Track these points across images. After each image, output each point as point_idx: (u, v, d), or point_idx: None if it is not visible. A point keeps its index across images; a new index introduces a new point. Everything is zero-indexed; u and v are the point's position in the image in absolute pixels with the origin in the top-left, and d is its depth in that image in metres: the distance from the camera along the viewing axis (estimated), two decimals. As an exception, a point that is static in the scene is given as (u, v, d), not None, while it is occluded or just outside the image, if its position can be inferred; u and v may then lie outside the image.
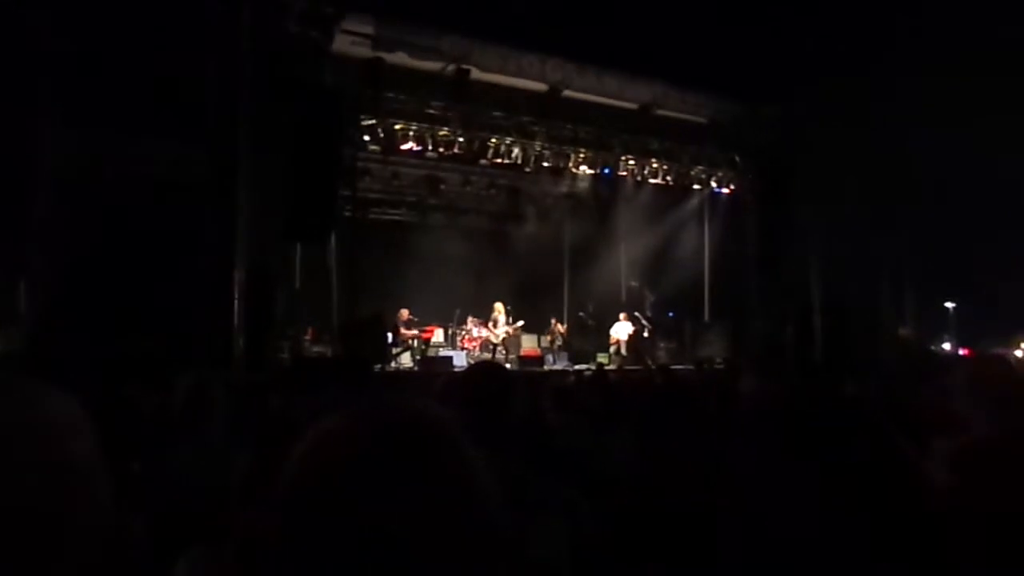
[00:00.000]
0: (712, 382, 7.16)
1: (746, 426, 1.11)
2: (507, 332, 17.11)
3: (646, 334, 18.14)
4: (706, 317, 19.27)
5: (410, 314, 16.21)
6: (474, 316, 17.70)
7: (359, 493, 0.89)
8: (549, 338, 17.77)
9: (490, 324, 17.00)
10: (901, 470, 0.99)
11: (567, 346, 18.29)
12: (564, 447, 3.73)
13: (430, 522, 0.88)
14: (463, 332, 17.71)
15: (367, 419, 1.00)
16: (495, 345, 16.92)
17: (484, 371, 2.52)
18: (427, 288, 17.21)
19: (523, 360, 16.22)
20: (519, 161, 16.48)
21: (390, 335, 15.42)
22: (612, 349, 17.71)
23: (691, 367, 13.84)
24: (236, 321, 10.89)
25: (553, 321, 17.91)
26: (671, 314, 19.12)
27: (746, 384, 5.88)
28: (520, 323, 17.59)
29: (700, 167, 18.29)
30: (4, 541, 0.84)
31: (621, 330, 17.72)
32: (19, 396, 0.91)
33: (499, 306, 16.94)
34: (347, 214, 14.70)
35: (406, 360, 16.14)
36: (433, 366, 14.37)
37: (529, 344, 18.83)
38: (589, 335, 18.50)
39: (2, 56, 9.76)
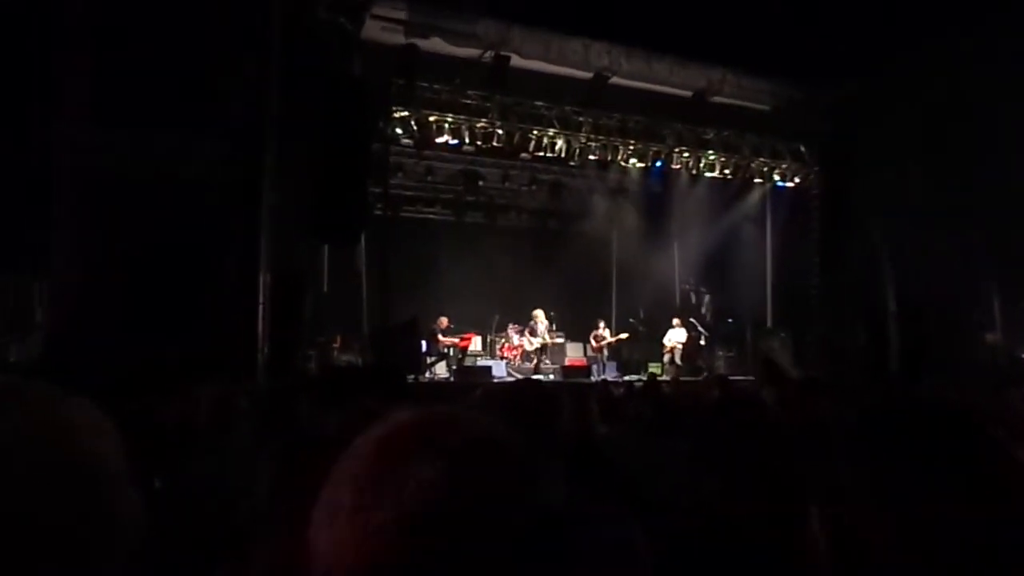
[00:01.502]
0: (783, 393, 7.06)
1: (849, 440, 1.13)
2: (547, 342, 17.19)
3: (702, 342, 18.00)
4: (768, 323, 19.05)
5: (449, 322, 16.32)
6: (514, 323, 17.82)
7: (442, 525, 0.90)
8: (595, 346, 17.72)
9: (527, 332, 17.09)
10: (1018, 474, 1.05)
11: (616, 355, 18.27)
12: (613, 464, 3.71)
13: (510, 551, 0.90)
14: (502, 340, 17.85)
15: (440, 432, 0.99)
16: (536, 354, 17.00)
17: (528, 386, 2.57)
18: (463, 292, 17.39)
19: (568, 370, 16.24)
20: (563, 155, 16.50)
21: (424, 343, 15.57)
22: (666, 358, 17.62)
23: (752, 378, 13.69)
24: (261, 327, 11.02)
25: (601, 325, 17.87)
26: (730, 320, 18.99)
27: (768, 394, 5.85)
28: (558, 339, 17.74)
29: (761, 159, 18.10)
30: (32, 543, 0.85)
31: (675, 337, 17.62)
32: (37, 397, 0.93)
33: (539, 313, 17.01)
34: (378, 213, 14.85)
35: (441, 370, 16.28)
36: (471, 376, 14.48)
37: (574, 353, 18.89)
38: (640, 343, 18.44)
39: (25, 51, 10.02)
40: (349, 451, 1.01)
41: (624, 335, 17.87)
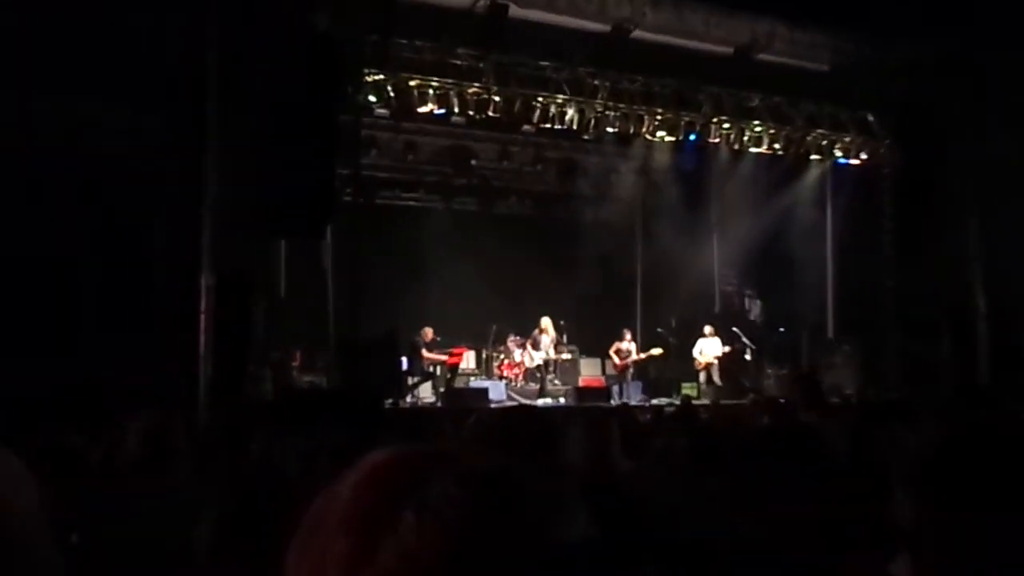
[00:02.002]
0: (841, 421, 7.07)
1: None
2: (554, 357, 17.20)
3: (748, 356, 18.00)
4: (830, 332, 19.05)
5: (434, 334, 16.35)
6: (516, 334, 17.81)
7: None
8: (619, 363, 17.73)
9: (530, 346, 17.10)
10: None
11: (641, 374, 18.32)
12: (638, 507, 3.72)
13: None
14: (501, 356, 17.87)
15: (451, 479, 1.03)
16: (542, 373, 17.05)
17: (523, 414, 2.66)
18: (453, 297, 17.35)
19: (582, 393, 16.23)
20: (574, 126, 16.53)
21: (405, 360, 15.59)
22: (702, 377, 17.63)
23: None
24: (203, 342, 11.01)
25: (627, 336, 17.89)
26: (782, 329, 19.00)
27: (807, 416, 5.91)
28: (569, 354, 17.77)
29: (819, 131, 18.12)
30: None
31: (709, 350, 17.68)
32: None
33: (547, 322, 17.03)
34: (347, 199, 14.88)
35: (426, 393, 16.30)
36: (462, 401, 14.49)
37: (589, 371, 18.88)
38: (671, 359, 18.44)
39: None
40: (325, 495, 1.03)
41: (657, 350, 17.86)
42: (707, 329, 17.86)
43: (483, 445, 2.36)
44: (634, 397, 16.77)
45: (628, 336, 18.04)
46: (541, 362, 17.08)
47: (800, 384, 7.33)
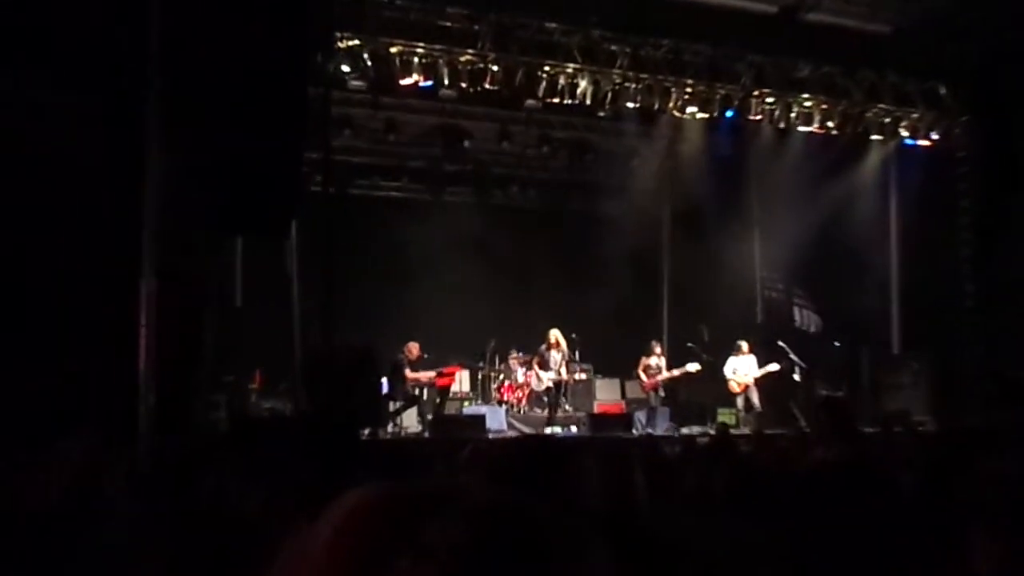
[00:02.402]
0: (911, 455, 7.06)
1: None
2: (565, 378, 17.16)
3: (797, 376, 17.96)
4: (895, 346, 19.03)
5: (421, 350, 16.35)
6: (518, 350, 17.88)
7: None
8: (647, 382, 17.68)
9: (536, 364, 17.06)
10: None
11: (670, 397, 18.35)
12: (666, 557, 3.72)
13: None
14: (501, 376, 17.99)
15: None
16: (551, 396, 17.08)
17: (535, 444, 2.72)
18: (443, 306, 17.43)
19: (598, 420, 16.26)
20: (588, 101, 16.55)
21: (385, 382, 15.62)
22: (740, 402, 17.64)
23: (874, 429, 13.62)
24: (144, 361, 10.98)
25: (656, 350, 17.84)
26: (837, 343, 19.02)
27: (829, 452, 5.93)
28: (583, 373, 17.73)
29: (880, 106, 18.12)
30: None
31: (742, 369, 17.70)
32: None
33: (556, 335, 16.98)
34: (316, 189, 14.92)
35: (411, 421, 16.35)
36: (454, 430, 14.54)
37: (607, 394, 18.97)
38: (703, 379, 18.41)
39: None
40: (299, 541, 1.03)
41: (693, 366, 17.80)
42: (742, 345, 17.82)
43: (479, 484, 2.35)
44: (660, 426, 16.82)
45: (658, 350, 18.04)
46: (550, 384, 17.03)
47: (824, 409, 7.25)
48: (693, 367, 17.87)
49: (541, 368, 17.10)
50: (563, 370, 17.14)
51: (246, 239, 14.59)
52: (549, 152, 19.51)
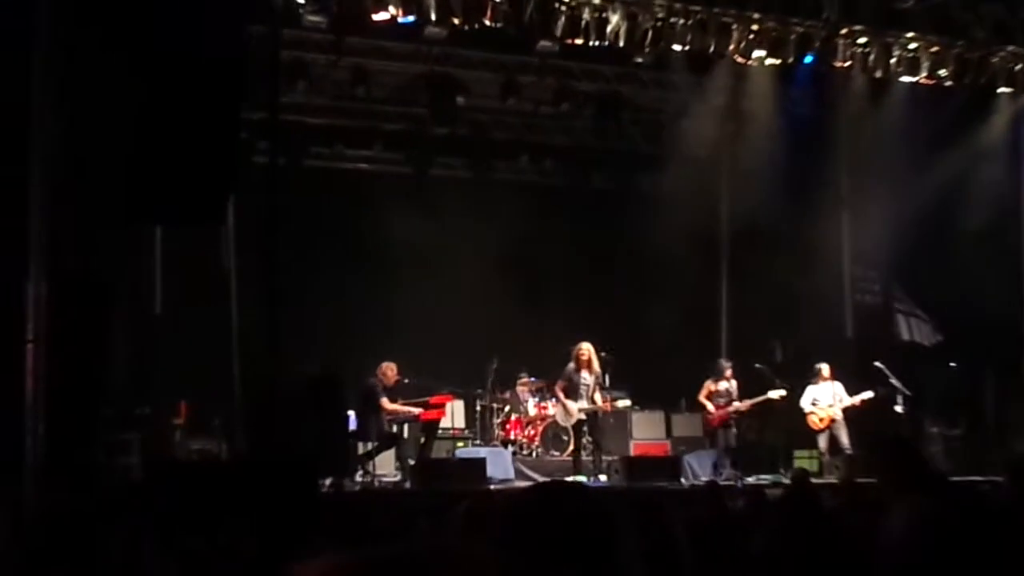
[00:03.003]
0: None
1: None
2: (603, 405, 16.95)
3: (900, 407, 17.94)
4: (1029, 368, 18.97)
5: (400, 373, 16.32)
6: (528, 374, 17.99)
7: None
8: (716, 413, 17.57)
9: (558, 388, 16.89)
10: None
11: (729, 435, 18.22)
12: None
13: None
14: (506, 408, 18.14)
15: None
16: (576, 433, 16.95)
17: (556, 495, 2.60)
18: (430, 314, 17.54)
19: (636, 466, 16.36)
20: (621, 42, 16.55)
21: (354, 416, 15.77)
22: (822, 441, 17.61)
23: (1001, 479, 13.52)
24: (30, 385, 10.99)
25: (727, 371, 17.76)
26: (952, 364, 18.99)
27: (903, 515, 5.87)
28: (621, 401, 17.54)
29: (1010, 48, 18.08)
30: None
31: (826, 398, 17.67)
32: None
33: (589, 349, 16.77)
34: (259, 160, 14.87)
35: (388, 467, 16.40)
36: (444, 479, 14.64)
37: (648, 431, 18.99)
38: (774, 411, 18.39)
39: None
40: None
41: (777, 393, 17.43)
42: (822, 369, 17.79)
43: (481, 548, 2.33)
44: (724, 472, 16.75)
45: (728, 370, 17.90)
46: (582, 415, 16.71)
47: (884, 453, 7.05)
48: (777, 394, 17.69)
49: (568, 395, 16.89)
50: (597, 396, 16.78)
51: (167, 229, 14.53)
52: (569, 111, 19.45)
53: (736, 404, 17.60)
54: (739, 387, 17.84)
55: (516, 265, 17.92)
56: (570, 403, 16.68)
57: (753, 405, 17.70)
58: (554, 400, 17.34)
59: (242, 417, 13.84)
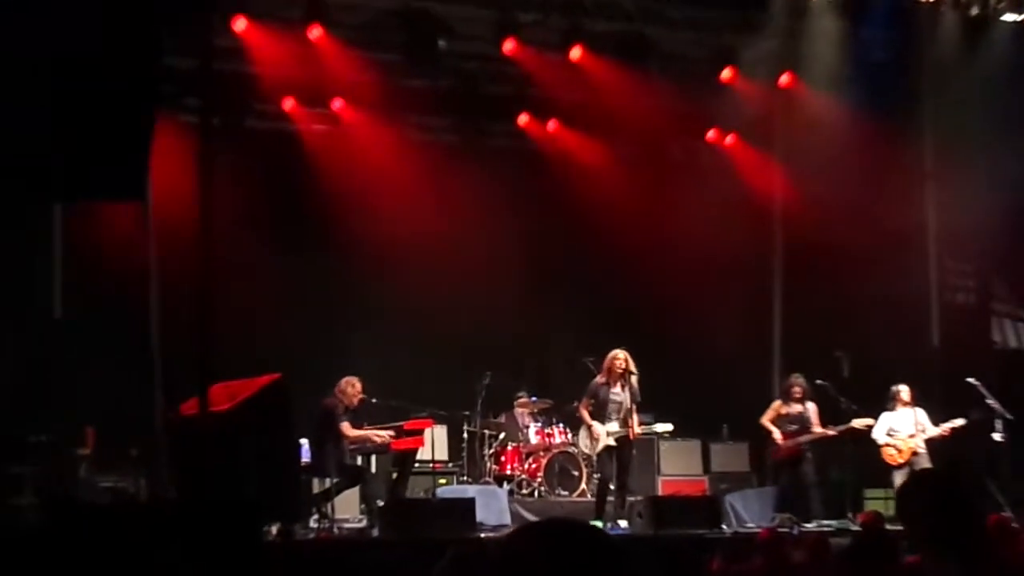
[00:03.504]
0: None
1: None
2: (636, 430, 16.74)
3: (998, 434, 17.86)
4: None
5: (366, 390, 16.18)
6: (527, 392, 18.06)
7: None
8: (780, 440, 17.44)
9: (584, 405, 16.72)
10: None
11: (782, 470, 18.10)
12: None
13: None
14: (501, 435, 18.18)
15: None
16: (603, 464, 16.71)
17: (553, 546, 2.50)
18: (405, 317, 17.64)
19: (663, 509, 16.16)
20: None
21: (307, 444, 15.71)
22: (900, 479, 17.41)
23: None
24: None
25: (796, 388, 17.63)
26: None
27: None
28: (660, 426, 17.36)
29: None
30: None
31: (906, 427, 17.59)
32: None
33: (626, 357, 16.52)
34: (189, 120, 15.00)
35: (351, 509, 16.47)
36: (422, 525, 14.50)
37: (680, 465, 19.09)
38: (839, 441, 18.29)
39: None
40: None
41: (863, 421, 17.25)
42: (901, 392, 17.66)
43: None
44: (770, 515, 16.77)
45: (798, 387, 17.71)
46: (613, 442, 16.38)
47: (921, 495, 6.80)
48: (862, 423, 17.56)
49: (595, 414, 16.65)
50: (635, 419, 16.48)
51: (68, 210, 14.42)
52: (581, 58, 19.30)
53: (811, 432, 17.41)
54: (819, 412, 17.67)
55: (515, 254, 17.92)
56: (596, 425, 16.43)
57: (826, 437, 17.55)
58: (561, 426, 17.35)
59: (165, 447, 13.71)
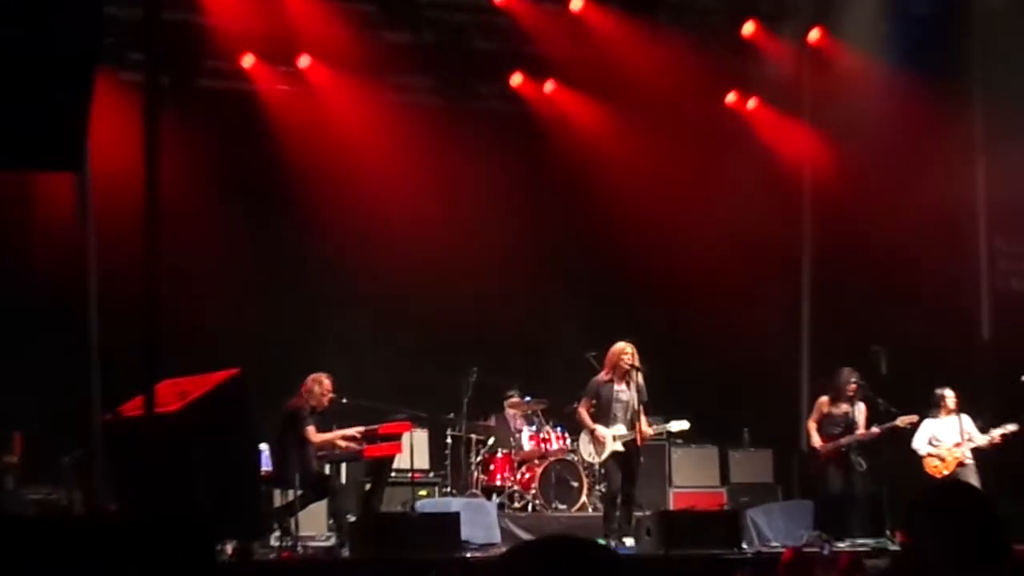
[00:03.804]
0: None
1: None
2: (646, 433, 16.70)
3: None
4: None
5: (336, 389, 16.14)
6: (520, 392, 18.07)
7: None
8: (820, 444, 17.44)
9: (585, 404, 16.67)
10: None
11: (816, 478, 18.25)
12: None
13: None
14: (490, 440, 18.22)
15: None
16: (611, 475, 16.71)
17: (550, 566, 2.51)
18: (379, 303, 17.74)
19: (675, 525, 16.02)
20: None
21: (266, 449, 15.71)
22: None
23: None
24: None
25: (851, 383, 17.60)
26: None
27: None
28: (676, 424, 17.26)
29: None
30: None
31: (950, 435, 17.62)
32: None
33: (632, 351, 16.53)
34: (131, 79, 14.93)
35: (318, 525, 16.49)
36: (399, 543, 14.40)
37: (693, 476, 19.18)
38: (882, 443, 18.30)
39: None
40: None
41: (908, 419, 17.16)
42: (947, 397, 17.67)
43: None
44: (791, 532, 16.87)
45: (854, 384, 17.58)
46: (621, 447, 16.41)
47: (925, 509, 6.76)
48: (906, 420, 17.57)
49: (597, 416, 16.59)
50: (643, 421, 16.45)
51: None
52: (582, 8, 19.32)
53: (855, 432, 17.42)
54: (867, 412, 17.66)
55: (508, 234, 17.96)
56: (600, 428, 16.42)
57: (869, 436, 17.51)
58: (559, 430, 17.33)
59: (104, 454, 13.69)
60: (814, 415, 17.73)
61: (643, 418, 16.35)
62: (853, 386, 17.52)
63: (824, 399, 17.70)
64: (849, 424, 17.49)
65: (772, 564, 10.94)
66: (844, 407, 17.54)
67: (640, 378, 16.31)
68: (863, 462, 17.36)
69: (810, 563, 10.47)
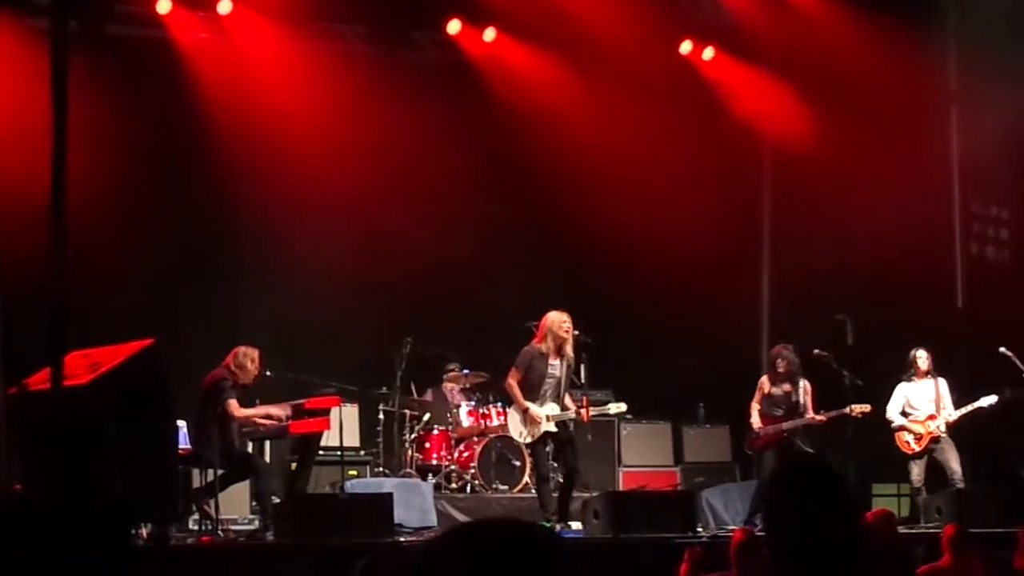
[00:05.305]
0: None
1: None
2: (582, 411, 16.66)
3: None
4: None
5: (261, 362, 16.09)
6: (461, 365, 18.15)
7: None
8: (760, 428, 17.46)
9: (512, 379, 16.59)
10: None
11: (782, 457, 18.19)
12: None
13: None
14: (425, 415, 18.22)
15: None
16: (538, 452, 16.74)
17: (486, 553, 2.51)
18: (306, 271, 17.68)
19: (625, 507, 16.00)
20: None
21: (185, 427, 15.68)
22: (916, 470, 17.59)
23: None
24: None
25: (783, 361, 17.65)
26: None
27: None
28: (613, 406, 17.24)
29: None
30: None
31: (924, 404, 17.72)
32: None
33: (568, 321, 16.45)
34: (36, 24, 14.71)
35: (240, 508, 16.56)
36: (328, 525, 14.41)
37: (644, 455, 19.27)
38: (847, 422, 18.37)
39: None
40: None
41: (861, 408, 17.25)
42: (919, 358, 17.75)
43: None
44: (751, 513, 16.81)
45: (783, 361, 17.65)
46: (551, 426, 16.25)
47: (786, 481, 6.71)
48: (858, 409, 17.56)
49: (526, 392, 16.55)
50: (568, 398, 16.39)
51: None
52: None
53: (803, 417, 17.40)
54: (813, 391, 17.69)
55: (445, 193, 17.91)
56: (534, 407, 16.24)
57: (814, 422, 17.53)
58: (499, 405, 17.38)
59: (6, 430, 13.65)
60: (756, 395, 17.72)
61: (569, 397, 16.30)
62: (783, 364, 17.55)
63: (764, 379, 17.75)
64: (791, 406, 17.47)
65: (725, 546, 10.97)
66: (786, 387, 17.57)
67: (570, 351, 16.16)
68: (808, 450, 17.18)
69: (761, 546, 10.51)
